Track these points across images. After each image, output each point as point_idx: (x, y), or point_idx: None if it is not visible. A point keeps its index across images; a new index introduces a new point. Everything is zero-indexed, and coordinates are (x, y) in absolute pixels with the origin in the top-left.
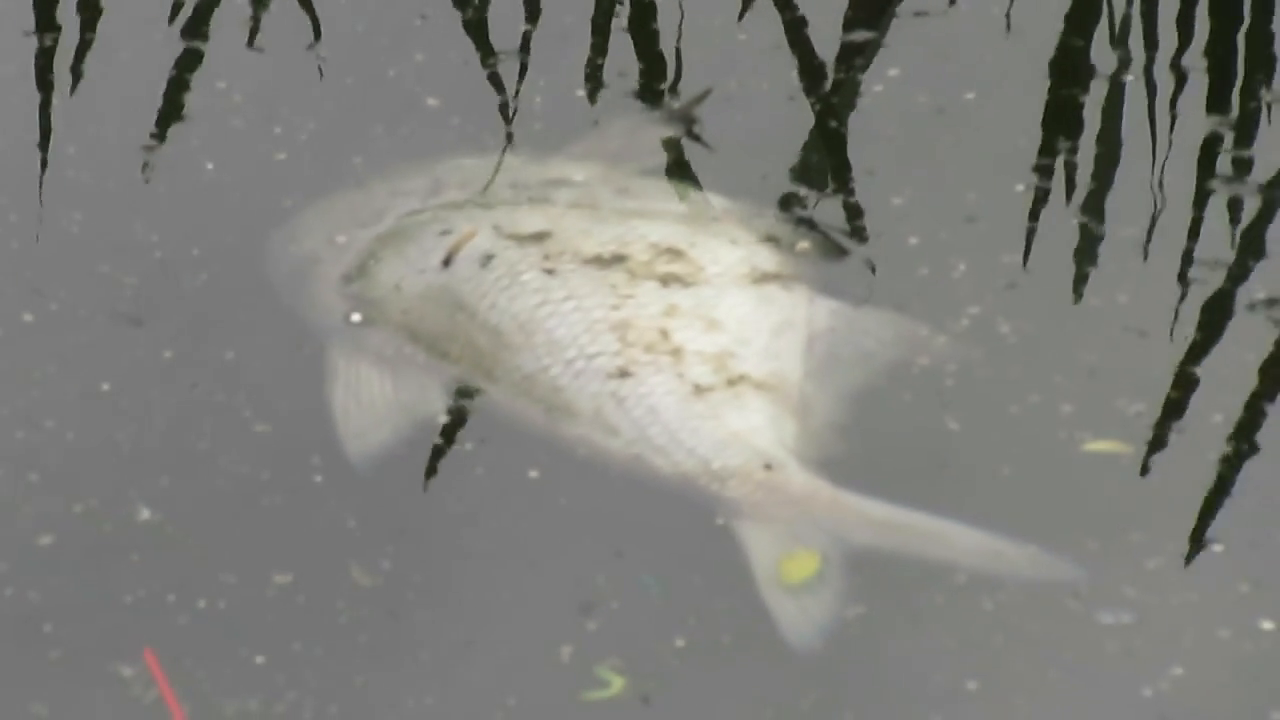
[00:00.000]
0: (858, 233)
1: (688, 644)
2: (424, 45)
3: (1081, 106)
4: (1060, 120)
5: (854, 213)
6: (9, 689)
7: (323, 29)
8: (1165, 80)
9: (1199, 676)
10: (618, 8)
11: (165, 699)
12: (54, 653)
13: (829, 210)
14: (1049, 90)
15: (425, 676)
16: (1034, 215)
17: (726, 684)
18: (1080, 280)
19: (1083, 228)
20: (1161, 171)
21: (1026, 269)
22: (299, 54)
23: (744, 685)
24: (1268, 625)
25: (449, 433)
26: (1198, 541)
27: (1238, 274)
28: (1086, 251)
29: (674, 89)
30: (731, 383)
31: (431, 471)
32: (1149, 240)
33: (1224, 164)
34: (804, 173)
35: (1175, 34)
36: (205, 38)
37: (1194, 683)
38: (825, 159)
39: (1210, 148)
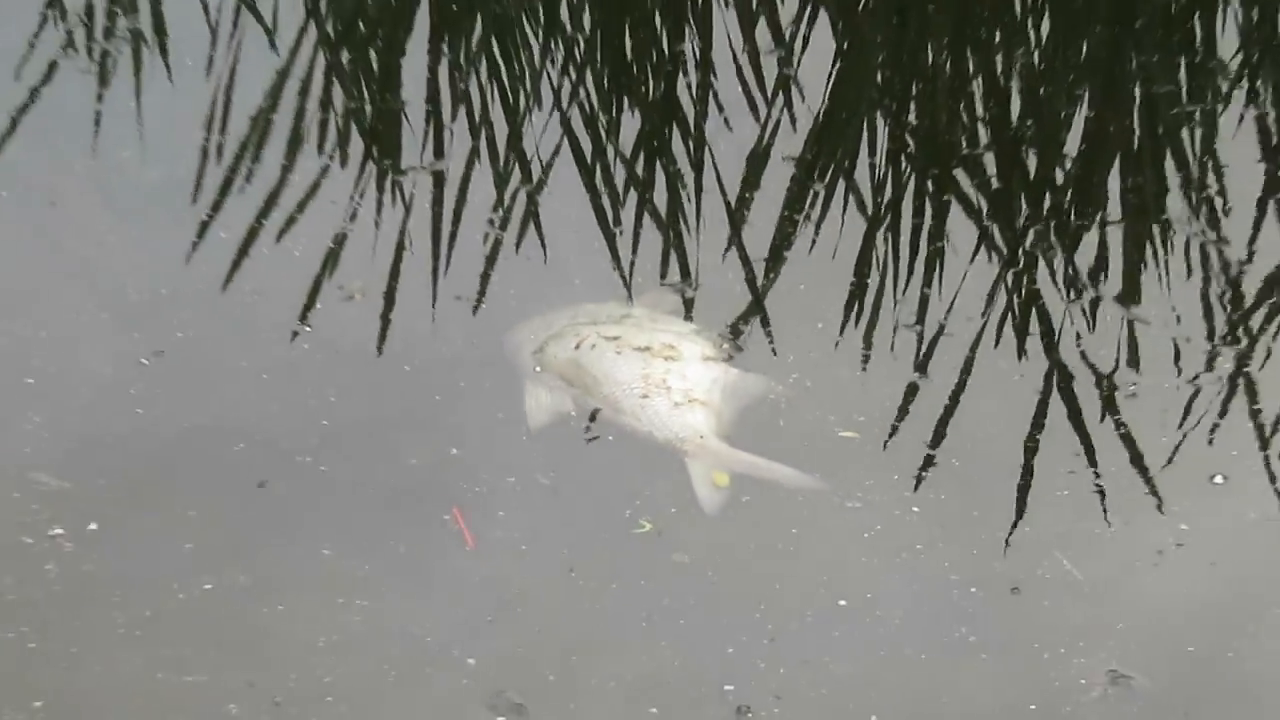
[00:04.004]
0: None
1: (678, 512)
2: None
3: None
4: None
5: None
6: (387, 531)
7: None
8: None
9: (892, 534)
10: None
11: (463, 533)
12: (407, 505)
13: (754, 335)
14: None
15: (558, 528)
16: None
17: (695, 532)
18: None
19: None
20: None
21: (835, 348)
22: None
23: (702, 533)
24: (917, 510)
25: (576, 420)
26: (915, 477)
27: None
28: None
29: (680, 276)
30: (690, 402)
31: (567, 439)
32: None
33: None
34: (739, 314)
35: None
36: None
37: (889, 535)
38: (751, 308)
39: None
